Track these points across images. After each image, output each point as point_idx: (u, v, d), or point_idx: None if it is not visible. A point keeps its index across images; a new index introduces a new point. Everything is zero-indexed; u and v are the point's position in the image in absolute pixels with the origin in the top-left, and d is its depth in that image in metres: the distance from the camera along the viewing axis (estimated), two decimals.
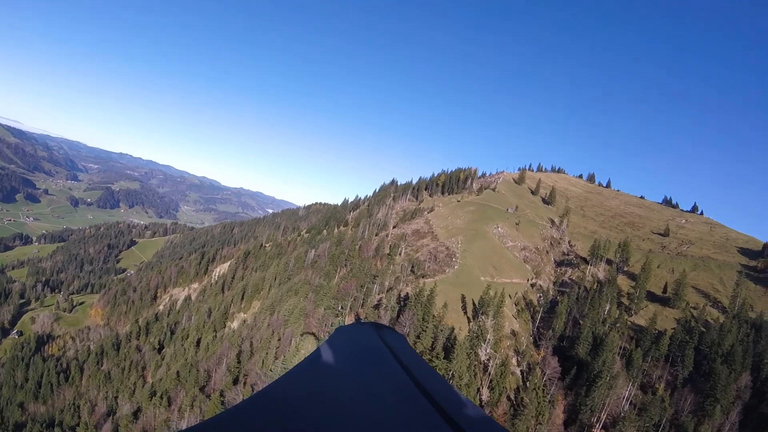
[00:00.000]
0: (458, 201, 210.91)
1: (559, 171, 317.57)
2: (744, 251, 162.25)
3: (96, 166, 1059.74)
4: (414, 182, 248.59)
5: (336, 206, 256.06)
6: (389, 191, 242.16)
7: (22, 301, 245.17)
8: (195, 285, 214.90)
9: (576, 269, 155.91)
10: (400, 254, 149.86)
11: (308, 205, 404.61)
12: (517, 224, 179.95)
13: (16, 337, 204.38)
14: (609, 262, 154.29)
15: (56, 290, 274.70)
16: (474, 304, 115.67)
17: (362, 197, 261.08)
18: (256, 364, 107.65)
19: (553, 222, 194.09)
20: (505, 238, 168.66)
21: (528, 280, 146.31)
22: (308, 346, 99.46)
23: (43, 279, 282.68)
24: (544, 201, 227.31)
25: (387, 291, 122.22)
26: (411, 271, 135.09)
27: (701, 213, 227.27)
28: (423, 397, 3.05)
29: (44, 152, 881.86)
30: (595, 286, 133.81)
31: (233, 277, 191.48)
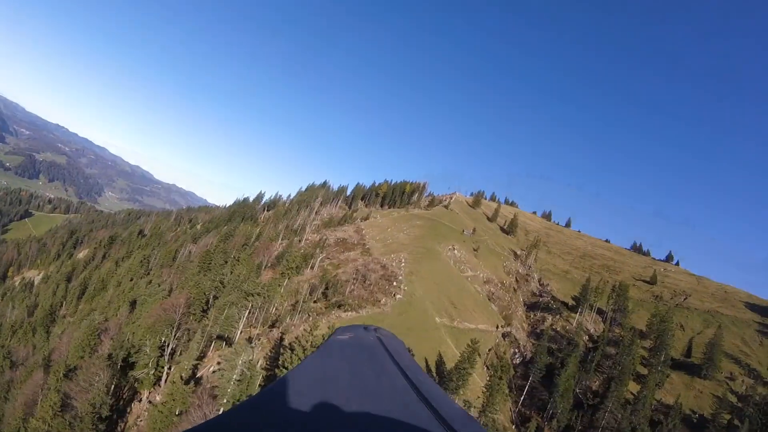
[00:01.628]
0: (402, 213, 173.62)
1: (512, 204, 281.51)
2: (752, 307, 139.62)
3: (28, 132, 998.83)
4: (349, 188, 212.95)
5: (247, 200, 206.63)
6: (317, 193, 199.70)
7: None
8: (52, 268, 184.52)
9: (557, 316, 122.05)
10: (311, 268, 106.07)
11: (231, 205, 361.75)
12: (475, 250, 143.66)
13: None
14: (600, 311, 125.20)
15: None
16: (427, 365, 73.67)
17: (285, 195, 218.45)
18: None
19: (516, 254, 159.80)
20: (462, 264, 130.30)
21: (498, 327, 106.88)
22: None
23: None
24: (502, 230, 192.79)
25: (265, 325, 78.30)
26: (322, 294, 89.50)
27: (677, 263, 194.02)
28: (420, 401, 3.07)
29: None
30: (589, 344, 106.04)
31: (85, 266, 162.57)
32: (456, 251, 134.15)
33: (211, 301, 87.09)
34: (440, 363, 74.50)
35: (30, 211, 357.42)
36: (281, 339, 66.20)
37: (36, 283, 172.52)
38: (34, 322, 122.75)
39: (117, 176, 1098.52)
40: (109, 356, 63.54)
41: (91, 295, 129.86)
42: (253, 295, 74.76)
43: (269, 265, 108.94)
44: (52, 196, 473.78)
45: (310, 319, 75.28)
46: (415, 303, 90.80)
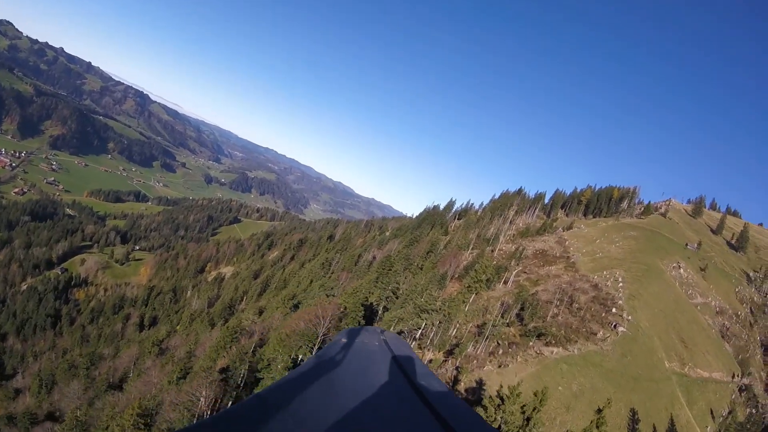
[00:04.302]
0: (611, 223, 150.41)
1: (735, 214, 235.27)
2: None
3: (240, 155, 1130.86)
4: (547, 195, 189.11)
5: (437, 208, 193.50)
6: (511, 201, 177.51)
7: (85, 243, 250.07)
8: (243, 266, 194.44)
9: None
10: (504, 282, 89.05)
11: (420, 213, 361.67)
12: (703, 270, 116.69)
13: (59, 273, 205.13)
14: None
15: (129, 243, 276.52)
16: None
17: (476, 204, 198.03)
18: None
19: (749, 277, 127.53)
20: (690, 287, 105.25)
21: (735, 377, 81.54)
22: None
23: (127, 231, 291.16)
24: (730, 245, 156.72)
25: (441, 350, 60.58)
26: (517, 316, 71.55)
27: None
28: (420, 402, 3.46)
29: (193, 133, 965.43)
30: None
31: (272, 265, 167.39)
32: (682, 270, 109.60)
33: (380, 313, 74.17)
34: None
35: (239, 218, 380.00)
36: (456, 377, 50.52)
37: (226, 278, 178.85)
38: (213, 313, 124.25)
39: (321, 191, 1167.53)
40: (224, 370, 52.22)
41: (272, 294, 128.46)
42: (428, 312, 60.20)
43: (455, 276, 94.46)
44: (260, 206, 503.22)
45: (500, 350, 58.28)
46: (641, 339, 69.89)
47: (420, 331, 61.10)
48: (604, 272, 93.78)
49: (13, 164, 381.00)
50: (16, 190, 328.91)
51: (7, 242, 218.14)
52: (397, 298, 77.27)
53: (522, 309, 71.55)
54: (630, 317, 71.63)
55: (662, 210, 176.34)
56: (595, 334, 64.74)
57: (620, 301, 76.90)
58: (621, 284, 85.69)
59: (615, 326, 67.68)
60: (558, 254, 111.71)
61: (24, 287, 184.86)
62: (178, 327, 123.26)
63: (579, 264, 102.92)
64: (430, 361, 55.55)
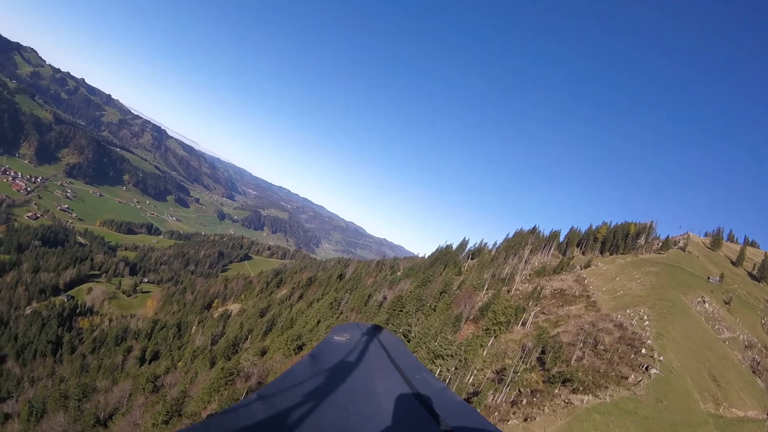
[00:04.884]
0: (630, 259, 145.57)
1: (753, 244, 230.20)
2: None
3: (254, 193, 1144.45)
4: (562, 234, 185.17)
5: (449, 248, 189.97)
6: (526, 239, 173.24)
7: (94, 272, 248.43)
8: (250, 303, 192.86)
9: None
10: (523, 324, 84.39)
11: (433, 252, 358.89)
12: (727, 303, 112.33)
13: (65, 300, 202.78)
14: None
15: (138, 275, 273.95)
16: None
17: (490, 243, 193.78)
18: None
19: None
20: (716, 321, 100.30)
21: None
22: None
23: (137, 263, 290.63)
24: (751, 276, 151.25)
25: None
26: (538, 360, 66.73)
27: None
28: (414, 397, 3.52)
29: (209, 170, 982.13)
30: None
31: (280, 304, 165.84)
32: (707, 304, 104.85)
33: None
34: None
35: (250, 255, 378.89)
36: None
37: (232, 315, 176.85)
38: (215, 350, 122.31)
39: (333, 230, 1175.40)
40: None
41: (277, 333, 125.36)
42: (443, 358, 56.17)
43: (470, 317, 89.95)
44: (272, 244, 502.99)
45: (522, 399, 53.16)
46: (674, 381, 64.39)
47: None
48: (627, 310, 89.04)
49: (29, 189, 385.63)
50: (30, 214, 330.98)
51: (15, 265, 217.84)
52: (408, 341, 72.41)
53: (543, 352, 66.81)
54: (662, 358, 66.48)
55: (681, 244, 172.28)
56: (626, 378, 59.62)
57: (648, 341, 71.89)
58: (647, 322, 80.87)
59: (646, 368, 62.46)
60: (577, 293, 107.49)
61: (28, 311, 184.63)
62: (179, 363, 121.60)
63: (600, 303, 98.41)
64: None
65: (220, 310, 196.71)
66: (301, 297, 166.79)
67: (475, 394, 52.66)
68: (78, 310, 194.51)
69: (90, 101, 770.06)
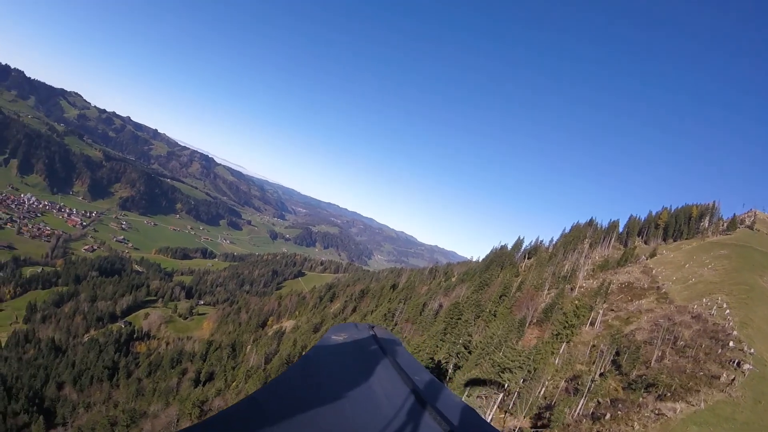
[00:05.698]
0: (696, 244, 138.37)
1: None
2: None
3: (304, 211, 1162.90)
4: (621, 223, 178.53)
5: (504, 248, 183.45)
6: (583, 233, 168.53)
7: (150, 297, 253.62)
8: (304, 318, 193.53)
9: None
10: (592, 324, 78.60)
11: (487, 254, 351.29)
12: None
13: (122, 326, 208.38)
14: None
15: (193, 298, 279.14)
16: None
17: (546, 240, 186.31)
18: None
19: None
20: None
21: None
22: None
23: (192, 287, 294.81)
24: None
25: (529, 414, 50.44)
26: (612, 363, 60.54)
27: None
28: (414, 398, 3.57)
29: (258, 192, 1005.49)
30: None
31: (333, 318, 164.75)
32: None
33: (450, 371, 64.62)
34: None
35: (303, 271, 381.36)
36: None
37: (286, 331, 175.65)
38: (269, 369, 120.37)
39: (384, 241, 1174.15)
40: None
41: None
42: (511, 371, 50.94)
43: (534, 320, 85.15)
44: (324, 259, 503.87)
45: (604, 411, 45.74)
46: None
47: (501, 393, 50.75)
48: (704, 299, 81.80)
49: (84, 223, 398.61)
50: (87, 247, 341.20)
51: (73, 295, 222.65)
52: (470, 353, 67.83)
53: (617, 354, 60.70)
54: (752, 350, 58.78)
55: (748, 222, 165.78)
56: (718, 378, 51.72)
57: (734, 332, 64.61)
58: (727, 311, 73.75)
59: (738, 364, 54.91)
60: (646, 285, 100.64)
61: (86, 339, 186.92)
62: (233, 384, 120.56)
63: (672, 294, 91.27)
64: (519, 428, 46.53)
65: (275, 327, 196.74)
66: (354, 310, 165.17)
67: (548, 408, 47.59)
68: (135, 335, 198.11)
69: (137, 137, 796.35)
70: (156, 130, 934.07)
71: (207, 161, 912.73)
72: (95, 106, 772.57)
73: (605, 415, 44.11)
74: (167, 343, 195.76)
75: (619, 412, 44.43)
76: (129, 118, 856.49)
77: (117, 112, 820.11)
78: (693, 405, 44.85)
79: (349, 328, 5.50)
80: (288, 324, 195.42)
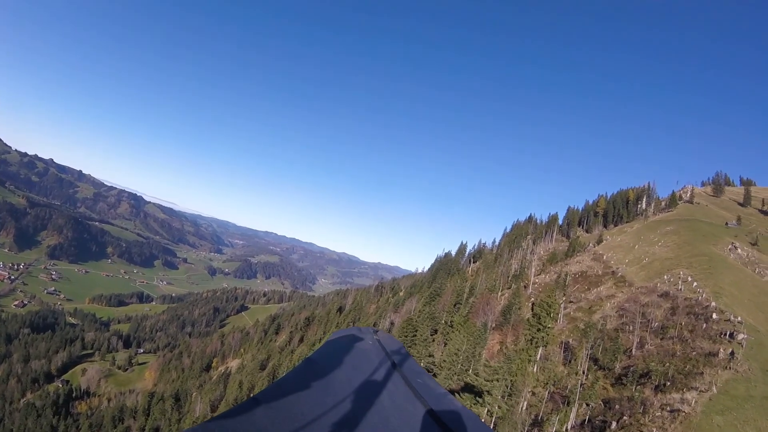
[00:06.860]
0: (639, 225, 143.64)
1: (749, 182, 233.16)
2: None
3: (241, 242, 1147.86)
4: (560, 216, 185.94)
5: (449, 255, 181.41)
6: (525, 230, 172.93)
7: (86, 351, 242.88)
8: (249, 356, 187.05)
9: None
10: (557, 320, 72.36)
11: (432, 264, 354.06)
12: (754, 244, 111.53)
13: (59, 385, 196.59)
14: None
15: (132, 346, 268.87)
16: None
17: (488, 242, 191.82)
18: None
19: None
20: (755, 265, 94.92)
21: None
22: None
23: (130, 335, 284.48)
24: (763, 213, 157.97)
25: None
26: (593, 361, 55.10)
27: None
28: (417, 401, 3.60)
29: (191, 228, 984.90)
30: None
31: (280, 351, 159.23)
32: (739, 249, 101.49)
33: None
34: None
35: (246, 305, 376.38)
36: None
37: (232, 372, 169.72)
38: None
39: (326, 264, 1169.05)
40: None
41: None
42: (490, 393, 43.03)
43: (494, 325, 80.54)
44: (267, 290, 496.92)
45: (609, 421, 39.31)
46: (766, 342, 52.62)
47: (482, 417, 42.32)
48: (664, 276, 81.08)
49: (12, 277, 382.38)
50: (17, 302, 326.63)
51: (5, 357, 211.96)
52: (435, 376, 59.86)
53: (592, 348, 55.63)
54: (739, 318, 56.05)
55: (687, 197, 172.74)
56: (715, 355, 47.60)
57: (712, 303, 61.90)
58: (694, 284, 72.48)
59: (731, 336, 51.61)
60: (600, 272, 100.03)
61: (22, 403, 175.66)
62: None
63: (629, 276, 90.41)
64: None
65: (220, 369, 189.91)
66: (302, 340, 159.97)
67: (536, 424, 41.32)
68: (74, 394, 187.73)
69: (62, 180, 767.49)
70: (81, 171, 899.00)
71: (136, 200, 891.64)
72: (16, 150, 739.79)
73: (608, 423, 37.67)
74: (108, 400, 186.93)
75: (625, 418, 38.09)
76: (52, 160, 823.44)
77: (39, 155, 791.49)
78: (703, 391, 39.52)
79: (353, 332, 5.06)
80: (233, 364, 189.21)
